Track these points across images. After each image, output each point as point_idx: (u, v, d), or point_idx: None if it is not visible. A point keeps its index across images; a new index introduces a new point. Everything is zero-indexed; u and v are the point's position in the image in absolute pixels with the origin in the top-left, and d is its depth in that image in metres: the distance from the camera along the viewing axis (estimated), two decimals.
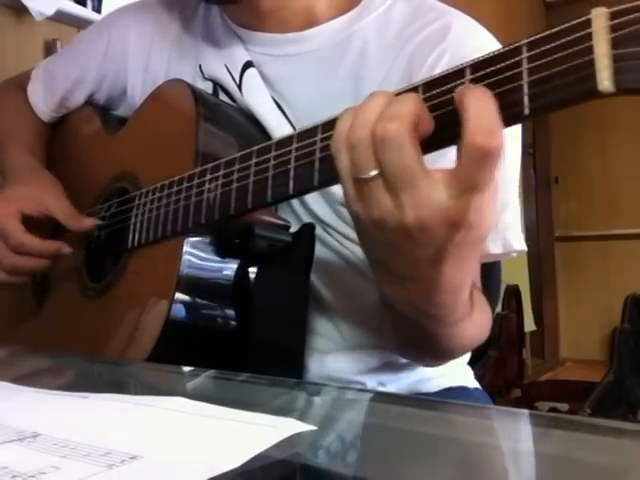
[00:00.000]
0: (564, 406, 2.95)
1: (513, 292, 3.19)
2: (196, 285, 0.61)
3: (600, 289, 4.07)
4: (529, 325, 3.53)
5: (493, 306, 0.94)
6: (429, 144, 0.41)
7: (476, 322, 0.55)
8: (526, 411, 0.38)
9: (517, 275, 3.32)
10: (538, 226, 4.27)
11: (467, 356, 0.80)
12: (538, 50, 0.38)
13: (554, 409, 2.91)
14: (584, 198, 4.20)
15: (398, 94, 0.43)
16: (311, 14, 0.72)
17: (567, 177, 4.28)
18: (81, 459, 0.27)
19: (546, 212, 4.32)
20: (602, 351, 3.84)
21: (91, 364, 0.60)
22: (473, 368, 0.82)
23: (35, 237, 0.72)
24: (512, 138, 0.65)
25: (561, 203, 4.32)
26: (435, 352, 0.58)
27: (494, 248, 0.63)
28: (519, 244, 0.64)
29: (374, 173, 0.40)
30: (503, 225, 0.63)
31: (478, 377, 0.82)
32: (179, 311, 0.60)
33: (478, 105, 0.38)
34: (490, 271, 0.80)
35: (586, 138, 4.18)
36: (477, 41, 0.66)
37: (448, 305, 0.47)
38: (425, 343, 0.55)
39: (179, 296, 0.60)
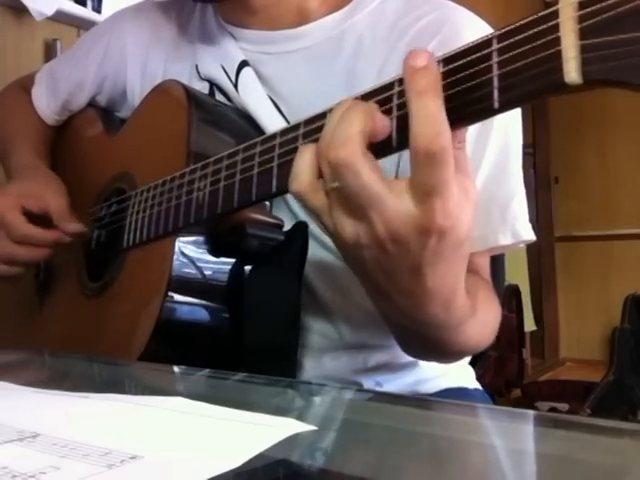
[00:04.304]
0: (564, 406, 2.95)
1: (513, 292, 3.18)
2: (188, 284, 0.61)
3: (600, 289, 4.06)
4: (529, 325, 3.53)
5: None
6: (384, 149, 0.41)
7: (480, 322, 0.55)
8: (526, 411, 0.38)
9: (517, 275, 3.32)
10: (538, 226, 4.25)
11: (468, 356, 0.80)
12: (508, 42, 0.37)
13: (554, 409, 2.91)
14: (584, 198, 4.20)
15: (361, 97, 0.42)
16: (303, 11, 0.72)
17: (567, 177, 4.27)
18: (81, 459, 0.27)
19: (546, 212, 4.32)
20: (602, 351, 3.84)
21: (91, 364, 0.59)
22: (473, 368, 0.82)
23: (37, 227, 0.73)
24: (512, 130, 0.65)
25: (561, 203, 4.32)
26: (440, 353, 0.58)
27: (504, 239, 0.63)
28: (528, 234, 0.64)
29: (336, 185, 0.40)
30: (512, 216, 0.63)
31: (478, 377, 0.82)
32: (171, 310, 0.60)
33: (419, 106, 0.37)
34: (493, 271, 0.80)
35: (586, 138, 4.18)
36: (475, 32, 0.65)
37: (443, 312, 0.47)
38: (428, 346, 0.55)
39: (171, 295, 0.60)
